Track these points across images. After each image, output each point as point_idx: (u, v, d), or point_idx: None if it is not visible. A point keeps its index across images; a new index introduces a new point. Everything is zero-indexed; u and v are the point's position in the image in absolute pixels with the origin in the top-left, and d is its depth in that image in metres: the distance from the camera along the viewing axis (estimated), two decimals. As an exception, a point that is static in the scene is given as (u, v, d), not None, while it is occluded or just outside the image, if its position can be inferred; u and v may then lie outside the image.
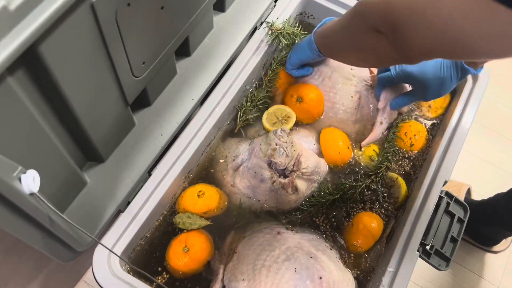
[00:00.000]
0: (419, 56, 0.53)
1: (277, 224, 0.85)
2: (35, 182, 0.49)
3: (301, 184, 0.83)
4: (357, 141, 0.95)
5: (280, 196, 0.82)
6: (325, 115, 0.95)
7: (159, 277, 0.79)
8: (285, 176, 0.82)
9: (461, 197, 1.23)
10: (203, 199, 0.83)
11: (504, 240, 1.25)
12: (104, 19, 0.53)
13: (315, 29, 0.84)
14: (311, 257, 0.77)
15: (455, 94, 0.99)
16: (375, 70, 0.97)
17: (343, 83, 0.94)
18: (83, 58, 0.54)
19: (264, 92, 0.94)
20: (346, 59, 0.76)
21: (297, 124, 0.95)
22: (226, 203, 0.87)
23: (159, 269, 0.80)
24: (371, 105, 0.95)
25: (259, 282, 0.75)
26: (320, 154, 0.90)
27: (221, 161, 0.89)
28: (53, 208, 0.53)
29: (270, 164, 0.81)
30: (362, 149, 0.93)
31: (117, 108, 0.69)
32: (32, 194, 0.49)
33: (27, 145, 0.52)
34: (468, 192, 1.28)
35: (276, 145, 0.80)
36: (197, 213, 0.83)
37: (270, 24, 0.96)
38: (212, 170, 0.90)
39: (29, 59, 0.47)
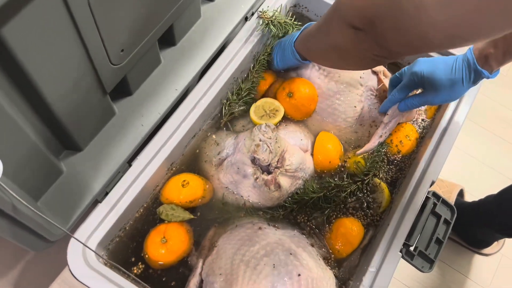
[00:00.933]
0: (399, 49, 0.52)
1: (260, 219, 0.83)
2: (-3, 169, 0.48)
3: (285, 181, 0.81)
4: (346, 146, 0.93)
5: (263, 192, 0.81)
6: (323, 118, 0.92)
7: (135, 268, 0.77)
8: (269, 172, 0.80)
9: (453, 198, 1.21)
10: (187, 189, 0.82)
11: (495, 243, 1.23)
12: (75, 2, 0.51)
13: (295, 37, 0.83)
14: (290, 254, 0.75)
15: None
16: (384, 80, 0.94)
17: (349, 91, 0.91)
18: (52, 43, 0.52)
19: (249, 83, 0.92)
20: (328, 61, 0.75)
21: (288, 119, 0.93)
22: (211, 192, 0.85)
23: (138, 260, 0.79)
24: (372, 116, 0.93)
25: (237, 278, 0.74)
26: (309, 153, 0.89)
27: (207, 153, 0.88)
28: (17, 197, 0.51)
29: (253, 160, 0.80)
30: (350, 155, 0.91)
31: (94, 96, 0.67)
32: (-7, 182, 0.48)
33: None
34: (461, 193, 1.26)
35: (260, 141, 0.78)
36: (182, 202, 0.81)
37: (261, 12, 0.94)
38: (198, 162, 0.89)
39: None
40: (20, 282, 1.01)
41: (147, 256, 0.78)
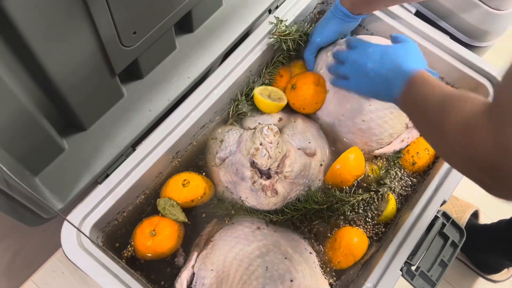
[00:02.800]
0: None
1: (259, 219, 0.81)
2: (-11, 143, 0.47)
3: (283, 188, 0.79)
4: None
5: (260, 197, 0.79)
6: (367, 129, 0.85)
7: (125, 251, 0.77)
8: (269, 176, 0.78)
9: (465, 218, 1.15)
10: (188, 188, 0.80)
11: (505, 270, 1.17)
12: (85, -21, 0.50)
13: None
14: (286, 258, 0.73)
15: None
16: None
17: None
18: (57, 18, 0.51)
19: (259, 84, 0.90)
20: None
21: (306, 117, 0.90)
22: (213, 190, 0.83)
23: (129, 245, 0.78)
24: None
25: (227, 275, 0.72)
26: (317, 159, 0.85)
27: (212, 149, 0.85)
28: (10, 173, 0.50)
29: (252, 163, 0.77)
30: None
31: (102, 76, 0.66)
32: (-16, 155, 0.47)
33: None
34: (475, 214, 1.21)
35: (260, 144, 0.76)
36: (183, 202, 0.80)
37: (273, 29, 0.89)
38: (204, 156, 0.87)
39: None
40: (19, 252, 1.02)
41: (133, 242, 0.77)
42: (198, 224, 0.82)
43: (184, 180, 0.80)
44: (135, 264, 0.77)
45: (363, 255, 0.79)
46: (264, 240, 0.76)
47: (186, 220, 0.79)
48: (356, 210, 0.82)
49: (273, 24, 0.89)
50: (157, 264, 0.78)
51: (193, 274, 0.75)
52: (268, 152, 0.75)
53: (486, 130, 0.42)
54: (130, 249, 0.78)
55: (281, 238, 0.77)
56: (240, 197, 0.80)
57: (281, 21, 0.89)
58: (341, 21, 0.83)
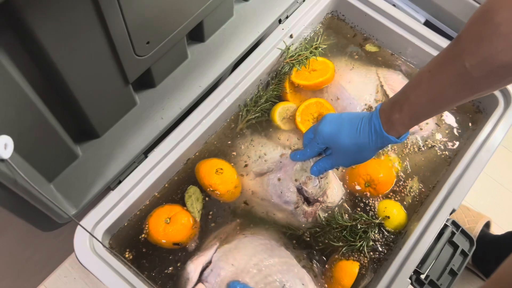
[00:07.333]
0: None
1: (282, 238, 0.82)
2: (7, 149, 0.48)
3: (321, 215, 0.82)
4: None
5: (297, 220, 0.81)
6: None
7: (144, 234, 0.79)
8: (309, 202, 0.80)
9: (478, 229, 1.15)
10: (219, 177, 0.81)
11: (518, 281, 1.15)
12: (102, -7, 0.51)
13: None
14: (303, 284, 0.74)
15: (482, 115, 0.92)
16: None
17: None
18: (76, 30, 0.52)
19: (270, 92, 0.91)
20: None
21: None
22: (239, 191, 0.83)
23: (140, 245, 0.79)
24: None
25: (246, 276, 0.73)
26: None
27: (249, 156, 0.86)
28: (26, 178, 0.52)
29: (300, 190, 0.80)
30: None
31: (116, 85, 0.68)
32: (3, 160, 0.49)
33: (6, 111, 0.51)
34: (487, 225, 1.20)
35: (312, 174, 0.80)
36: (208, 187, 0.81)
37: (283, 56, 0.92)
38: (228, 158, 0.87)
39: (15, 27, 0.46)
40: (32, 257, 1.03)
41: (147, 222, 0.79)
42: (220, 218, 0.82)
43: (221, 168, 0.82)
44: (149, 261, 0.78)
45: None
46: (287, 258, 0.77)
47: (198, 220, 0.80)
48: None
49: (282, 50, 0.92)
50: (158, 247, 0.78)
51: (210, 262, 0.75)
52: (320, 183, 0.79)
53: None
54: (145, 230, 0.79)
55: (300, 262, 0.78)
56: (274, 215, 0.82)
57: (289, 48, 0.92)
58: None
